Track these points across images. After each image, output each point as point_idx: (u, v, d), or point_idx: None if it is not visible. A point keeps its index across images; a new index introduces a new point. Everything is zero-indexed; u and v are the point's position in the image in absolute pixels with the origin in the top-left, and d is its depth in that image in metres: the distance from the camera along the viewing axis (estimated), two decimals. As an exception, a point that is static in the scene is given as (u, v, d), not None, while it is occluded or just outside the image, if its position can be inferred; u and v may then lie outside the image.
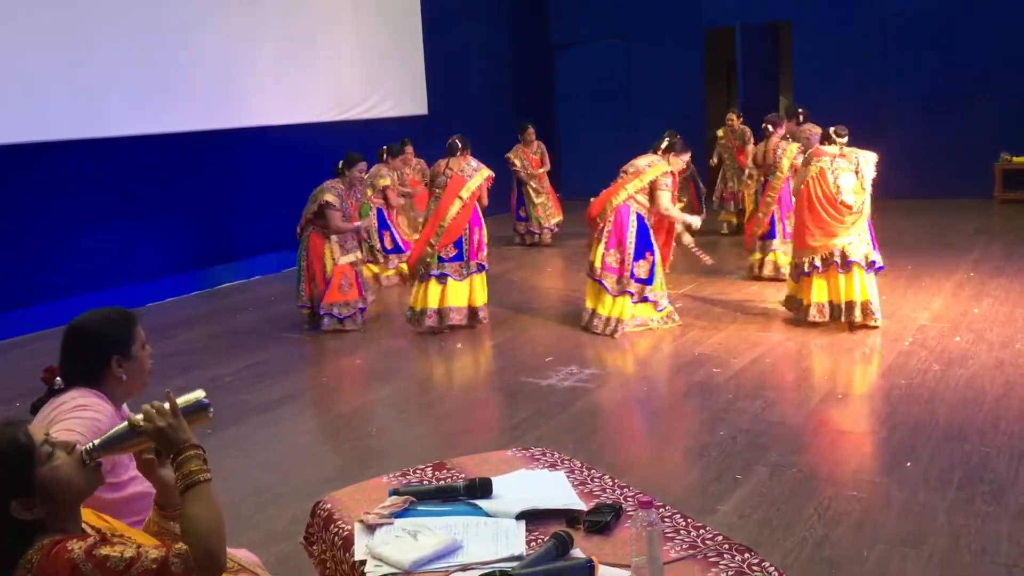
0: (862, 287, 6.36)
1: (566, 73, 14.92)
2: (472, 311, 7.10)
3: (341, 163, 7.47)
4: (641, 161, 6.70)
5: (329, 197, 7.13)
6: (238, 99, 9.64)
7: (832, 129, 6.50)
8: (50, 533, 1.81)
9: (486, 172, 7.11)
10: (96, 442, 1.90)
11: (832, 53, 12.65)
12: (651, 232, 6.69)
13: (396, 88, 11.71)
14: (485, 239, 7.16)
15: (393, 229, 9.12)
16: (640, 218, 6.64)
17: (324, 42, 10.66)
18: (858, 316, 6.38)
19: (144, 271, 8.83)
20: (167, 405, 1.93)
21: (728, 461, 4.42)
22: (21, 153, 7.84)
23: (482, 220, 7.13)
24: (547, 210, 10.99)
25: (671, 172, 6.65)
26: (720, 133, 10.95)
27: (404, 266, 8.58)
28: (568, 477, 2.66)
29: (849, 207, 6.32)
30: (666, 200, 6.57)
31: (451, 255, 6.96)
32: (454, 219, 6.92)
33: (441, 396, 6.00)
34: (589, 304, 6.88)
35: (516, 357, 6.46)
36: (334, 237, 7.23)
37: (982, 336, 6.16)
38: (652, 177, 6.56)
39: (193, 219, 9.34)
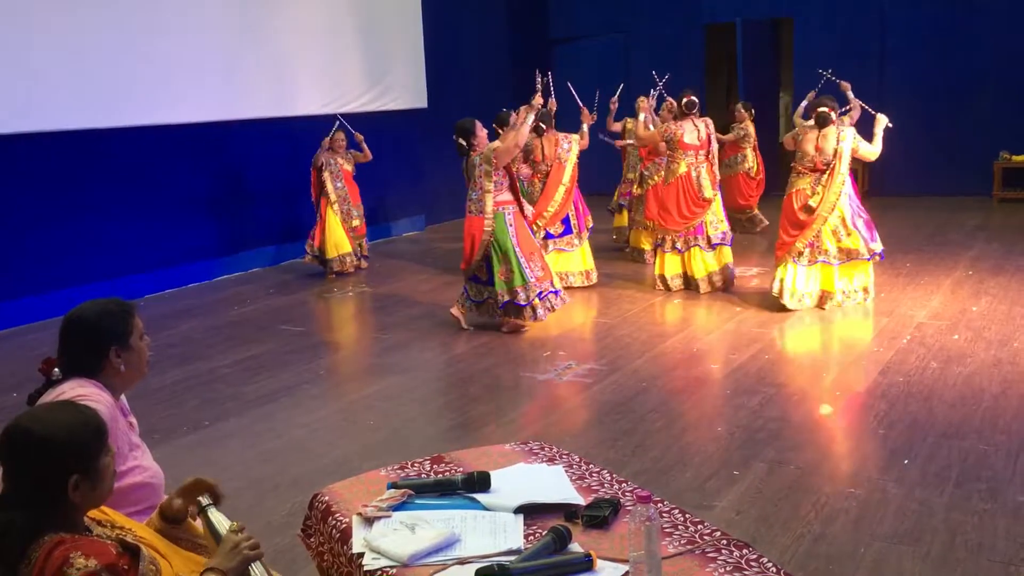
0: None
1: (566, 67, 14.86)
2: (586, 273, 8.23)
3: (459, 139, 6.67)
4: (828, 143, 6.77)
5: (489, 147, 6.58)
6: (238, 91, 9.61)
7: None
8: (57, 529, 1.81)
9: (576, 147, 8.11)
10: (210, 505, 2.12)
11: (833, 50, 12.62)
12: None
13: (396, 81, 11.69)
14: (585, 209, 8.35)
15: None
16: (849, 185, 6.92)
17: (324, 35, 10.63)
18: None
19: (142, 263, 8.82)
20: (253, 546, 2.00)
21: (726, 457, 4.42)
22: (19, 143, 7.82)
23: (580, 194, 8.33)
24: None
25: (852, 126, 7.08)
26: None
27: None
28: (566, 472, 2.65)
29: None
30: (867, 147, 6.86)
31: (560, 231, 8.06)
32: (561, 203, 8.00)
33: (440, 390, 6.00)
34: (803, 287, 6.91)
35: (513, 352, 6.46)
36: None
37: (980, 334, 6.17)
38: (853, 145, 6.78)
39: (192, 211, 9.33)
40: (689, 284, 7.81)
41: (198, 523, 2.23)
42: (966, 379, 5.32)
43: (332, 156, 9.26)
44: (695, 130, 7.61)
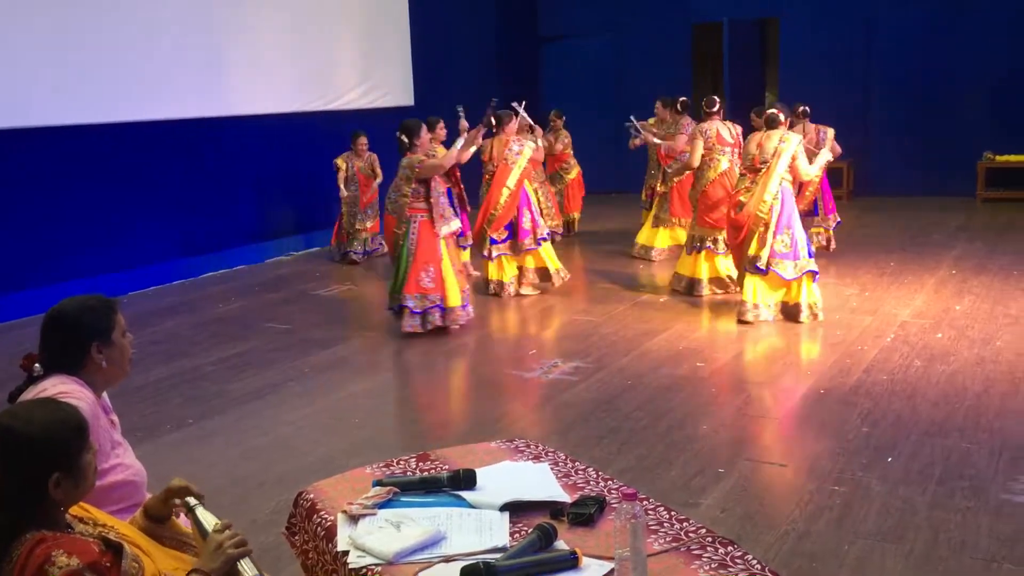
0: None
1: (554, 66, 14.89)
2: (544, 272, 7.93)
3: (402, 136, 6.58)
4: (770, 143, 6.67)
5: (416, 157, 6.52)
6: (224, 88, 9.56)
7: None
8: (39, 527, 1.80)
9: (528, 152, 7.87)
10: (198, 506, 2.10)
11: (818, 50, 12.68)
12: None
13: (383, 79, 11.66)
14: (538, 216, 8.00)
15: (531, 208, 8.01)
16: (790, 192, 6.74)
17: (311, 32, 10.59)
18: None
19: (127, 259, 8.76)
20: (238, 544, 1.99)
21: (711, 455, 4.43)
22: (1, 139, 7.75)
23: (531, 199, 7.93)
24: (549, 210, 9.83)
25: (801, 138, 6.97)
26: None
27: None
28: (552, 469, 2.65)
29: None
30: (805, 164, 6.74)
31: (503, 237, 7.79)
32: (504, 207, 7.71)
33: (425, 388, 5.99)
34: (755, 299, 6.66)
35: (500, 350, 6.45)
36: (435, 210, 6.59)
37: (963, 333, 6.21)
38: (794, 151, 6.63)
39: (177, 208, 9.27)
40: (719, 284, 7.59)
41: (183, 521, 2.22)
42: (949, 377, 5.35)
43: (351, 158, 9.74)
44: (726, 127, 7.60)
